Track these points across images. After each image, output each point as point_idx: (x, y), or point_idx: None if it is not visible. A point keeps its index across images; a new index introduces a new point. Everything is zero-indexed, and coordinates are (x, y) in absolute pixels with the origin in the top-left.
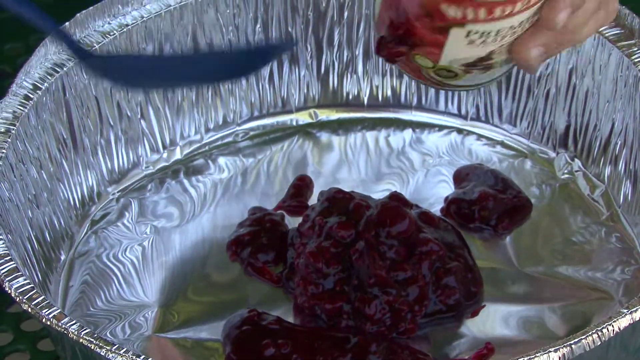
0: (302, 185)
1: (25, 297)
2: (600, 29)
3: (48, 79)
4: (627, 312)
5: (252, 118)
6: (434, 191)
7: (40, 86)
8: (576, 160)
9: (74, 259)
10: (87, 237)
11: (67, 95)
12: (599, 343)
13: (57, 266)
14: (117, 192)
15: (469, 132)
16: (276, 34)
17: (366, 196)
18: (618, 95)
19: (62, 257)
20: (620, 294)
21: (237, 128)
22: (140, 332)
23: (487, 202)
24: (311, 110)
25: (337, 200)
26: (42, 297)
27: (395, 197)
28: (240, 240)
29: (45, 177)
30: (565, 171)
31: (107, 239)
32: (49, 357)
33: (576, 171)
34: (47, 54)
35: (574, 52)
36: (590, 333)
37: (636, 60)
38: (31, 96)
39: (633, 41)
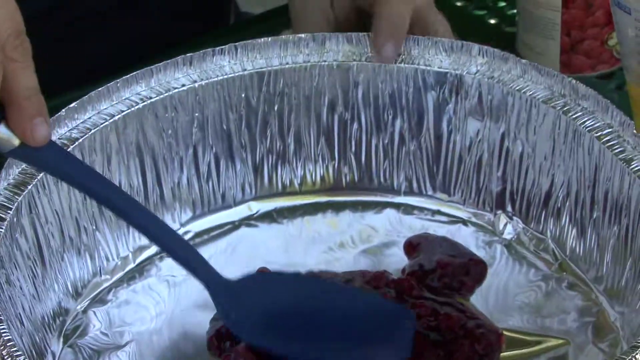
0: None
1: None
2: (530, 92)
3: (16, 198)
4: None
5: (194, 217)
6: (388, 266)
7: (10, 206)
8: (515, 218)
9: None
10: (64, 352)
11: (32, 212)
12: None
13: None
14: (83, 304)
15: (405, 206)
16: (212, 132)
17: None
18: (557, 151)
19: None
20: (589, 336)
21: (182, 228)
22: None
23: (446, 269)
24: (249, 203)
25: None
26: None
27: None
28: (220, 334)
29: (25, 294)
30: (508, 230)
31: (82, 352)
32: None
33: (518, 229)
34: (8, 176)
35: (504, 119)
36: None
37: (574, 115)
38: (4, 217)
39: (565, 100)
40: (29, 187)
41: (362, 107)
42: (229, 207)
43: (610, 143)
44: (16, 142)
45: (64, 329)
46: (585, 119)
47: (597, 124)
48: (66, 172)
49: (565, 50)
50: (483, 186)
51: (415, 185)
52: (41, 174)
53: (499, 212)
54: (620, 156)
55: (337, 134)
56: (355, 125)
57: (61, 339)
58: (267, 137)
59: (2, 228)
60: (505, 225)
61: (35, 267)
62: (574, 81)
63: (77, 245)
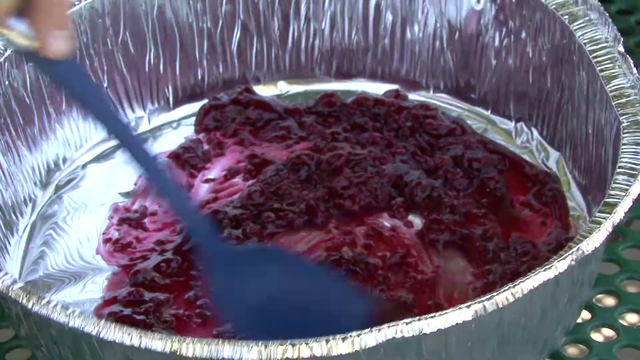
0: None
1: None
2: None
3: None
4: None
5: (219, 89)
6: None
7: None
8: (533, 129)
9: (36, 222)
10: (52, 201)
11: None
12: None
13: (18, 229)
14: (84, 158)
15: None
16: (243, 7)
17: None
18: (564, 62)
19: (24, 220)
20: None
21: (205, 100)
22: (94, 293)
23: None
24: (279, 83)
25: None
26: None
27: None
28: None
29: (9, 143)
30: (523, 140)
31: (70, 204)
32: None
33: (532, 140)
34: None
35: (524, 24)
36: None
37: (575, 28)
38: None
39: (577, 8)
40: None
41: None
42: (258, 83)
43: (599, 59)
44: (31, 44)
45: (58, 179)
46: (586, 31)
47: (597, 37)
48: (74, 91)
49: None
50: (509, 92)
51: (448, 84)
52: None
53: (519, 121)
54: (604, 74)
55: (372, 22)
56: (390, 16)
57: (51, 189)
58: (301, 18)
59: None
60: (523, 134)
61: (31, 116)
62: None
63: None
